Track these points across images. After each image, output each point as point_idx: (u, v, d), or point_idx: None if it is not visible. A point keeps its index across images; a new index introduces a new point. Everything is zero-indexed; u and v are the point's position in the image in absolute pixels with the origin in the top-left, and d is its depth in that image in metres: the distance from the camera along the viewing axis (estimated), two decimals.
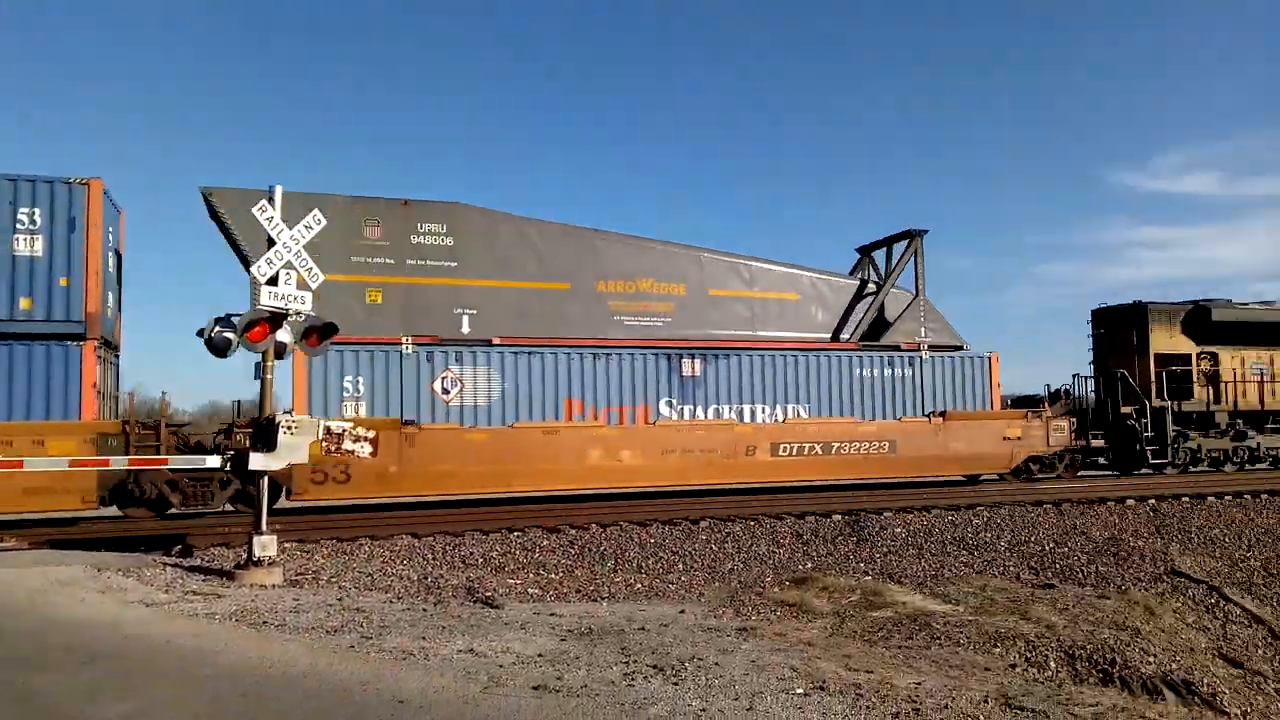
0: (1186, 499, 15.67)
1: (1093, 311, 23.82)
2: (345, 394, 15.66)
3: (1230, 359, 22.53)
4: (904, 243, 21.05)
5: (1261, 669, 9.13)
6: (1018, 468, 19.80)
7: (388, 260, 16.59)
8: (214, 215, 15.57)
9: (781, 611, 9.13)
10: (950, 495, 16.66)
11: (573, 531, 12.95)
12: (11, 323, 13.20)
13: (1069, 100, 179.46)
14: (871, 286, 21.11)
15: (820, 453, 18.22)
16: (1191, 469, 21.60)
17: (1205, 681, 8.30)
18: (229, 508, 14.69)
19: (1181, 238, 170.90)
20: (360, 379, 15.77)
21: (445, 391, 16.28)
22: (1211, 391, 22.27)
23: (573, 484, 16.64)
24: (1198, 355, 22.36)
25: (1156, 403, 21.46)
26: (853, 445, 18.46)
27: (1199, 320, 22.34)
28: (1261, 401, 22.64)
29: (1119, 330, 22.61)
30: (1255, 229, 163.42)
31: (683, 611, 8.73)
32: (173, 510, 14.19)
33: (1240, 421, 22.41)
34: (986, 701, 5.77)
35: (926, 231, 20.80)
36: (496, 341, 16.90)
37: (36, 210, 13.36)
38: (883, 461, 18.67)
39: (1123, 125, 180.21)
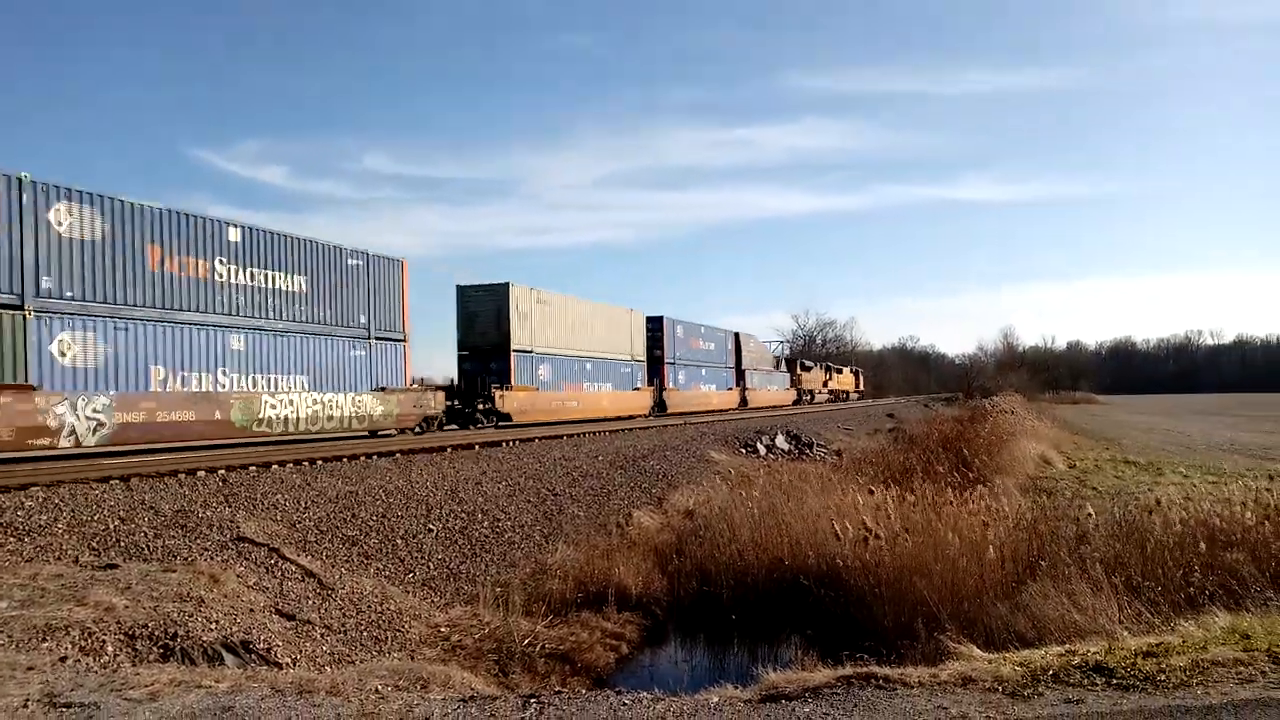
0: (254, 468, 16.20)
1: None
2: None
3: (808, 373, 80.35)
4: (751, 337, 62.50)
5: (310, 618, 10.09)
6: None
7: None
8: None
9: None
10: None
11: None
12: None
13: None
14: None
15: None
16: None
17: (262, 639, 8.80)
18: None
19: (257, 220, 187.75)
20: None
21: None
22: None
23: None
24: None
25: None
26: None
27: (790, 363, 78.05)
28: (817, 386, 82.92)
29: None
30: (316, 222, 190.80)
31: None
32: None
33: (810, 393, 79.53)
34: (28, 705, 5.03)
35: (754, 335, 62.57)
36: None
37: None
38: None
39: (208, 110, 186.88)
